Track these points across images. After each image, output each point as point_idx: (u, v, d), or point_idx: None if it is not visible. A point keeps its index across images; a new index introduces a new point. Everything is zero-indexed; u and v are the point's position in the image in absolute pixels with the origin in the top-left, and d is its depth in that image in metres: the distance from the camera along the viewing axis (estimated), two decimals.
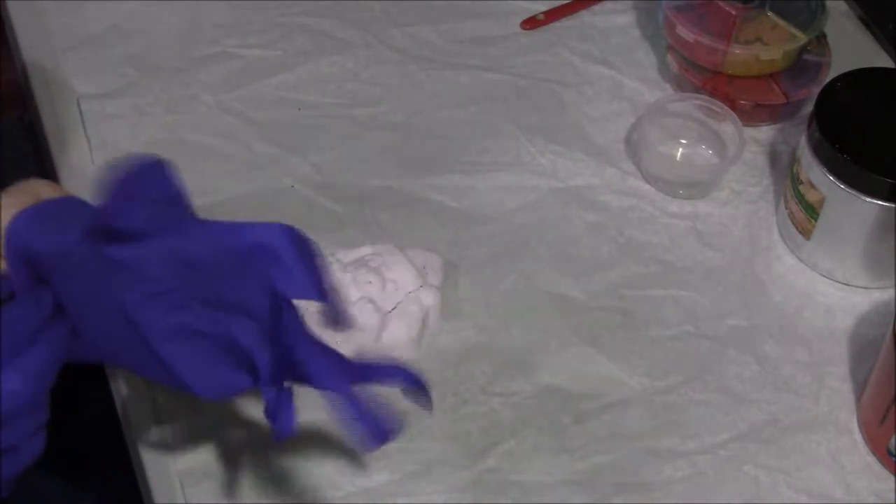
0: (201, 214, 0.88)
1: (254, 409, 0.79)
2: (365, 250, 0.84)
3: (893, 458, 0.79)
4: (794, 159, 0.89)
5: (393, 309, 0.82)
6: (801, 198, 0.87)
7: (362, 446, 0.66)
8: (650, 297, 0.87)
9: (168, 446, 0.77)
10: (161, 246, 0.64)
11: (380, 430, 0.66)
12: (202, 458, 0.77)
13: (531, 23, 1.04)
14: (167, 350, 0.63)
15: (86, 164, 0.92)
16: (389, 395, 0.67)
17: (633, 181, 0.94)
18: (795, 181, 0.88)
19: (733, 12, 0.95)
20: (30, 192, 0.65)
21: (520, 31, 1.04)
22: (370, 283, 0.82)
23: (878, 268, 0.87)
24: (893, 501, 0.78)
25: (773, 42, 0.95)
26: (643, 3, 1.06)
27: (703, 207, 0.93)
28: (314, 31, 1.02)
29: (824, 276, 0.89)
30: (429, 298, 0.83)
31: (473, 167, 0.94)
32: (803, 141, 0.86)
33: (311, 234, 0.87)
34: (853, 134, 0.84)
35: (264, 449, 0.78)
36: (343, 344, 0.79)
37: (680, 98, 0.97)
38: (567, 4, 1.05)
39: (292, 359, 0.66)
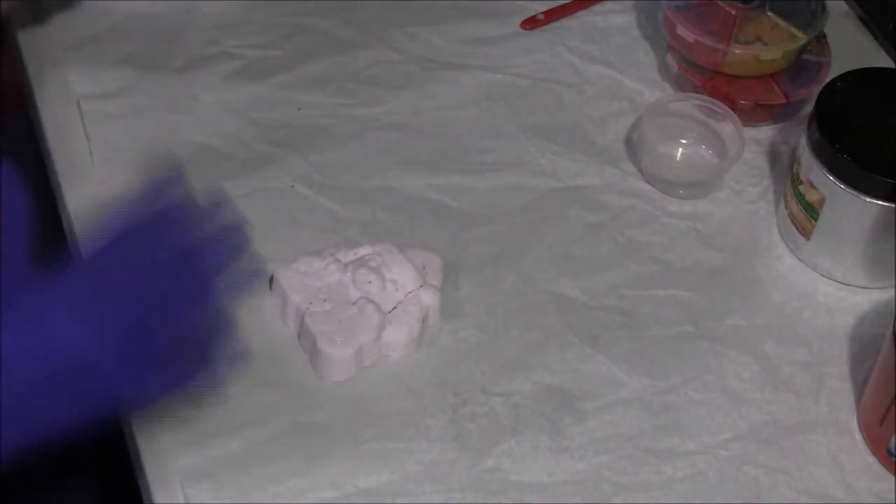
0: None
1: (253, 409, 0.79)
2: (365, 250, 0.84)
3: (893, 458, 0.79)
4: (794, 159, 0.89)
5: (393, 309, 0.82)
6: (801, 198, 0.87)
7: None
8: (650, 297, 0.87)
9: (168, 446, 0.77)
10: None
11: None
12: (202, 458, 0.77)
13: (531, 23, 1.04)
14: None
15: (86, 164, 0.91)
16: None
17: (633, 181, 0.94)
18: (795, 181, 0.88)
19: (733, 12, 0.95)
20: None
21: (520, 31, 1.04)
22: (370, 283, 0.82)
23: (878, 268, 0.87)
24: (893, 501, 0.78)
25: (773, 42, 0.95)
26: (643, 3, 1.06)
27: (703, 207, 0.93)
28: (314, 31, 1.02)
29: (824, 276, 0.89)
30: (429, 298, 0.83)
31: (473, 167, 0.94)
32: (803, 141, 0.86)
33: (311, 234, 0.88)
34: (853, 134, 0.84)
35: (264, 449, 0.78)
36: (345, 345, 0.79)
37: (680, 98, 0.97)
38: (567, 4, 1.05)
39: None
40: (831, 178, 0.84)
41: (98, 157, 0.92)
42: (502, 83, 1.00)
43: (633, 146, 0.96)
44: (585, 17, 1.05)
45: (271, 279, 0.84)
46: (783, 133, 0.98)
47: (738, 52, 0.94)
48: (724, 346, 0.85)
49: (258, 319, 0.83)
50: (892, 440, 0.78)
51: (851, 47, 1.03)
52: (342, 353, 0.79)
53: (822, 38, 0.98)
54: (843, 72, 0.89)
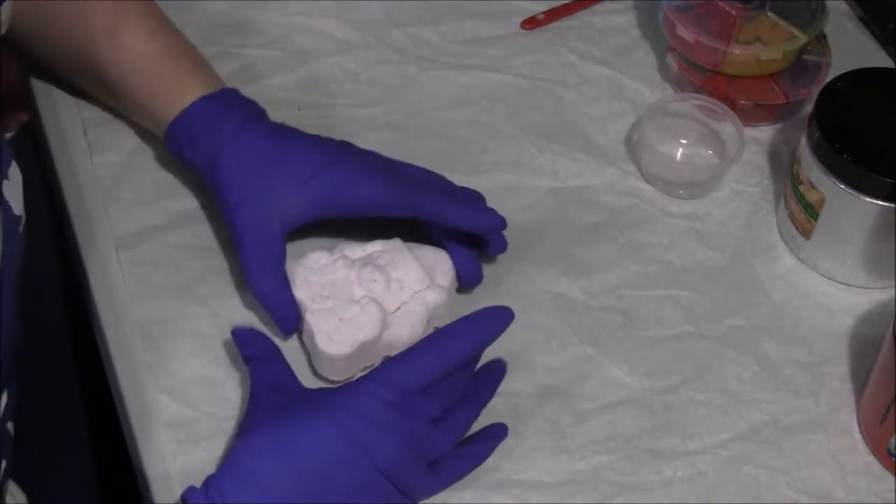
0: (201, 214, 0.89)
1: None
2: (375, 247, 0.83)
3: (893, 458, 0.79)
4: (794, 159, 0.89)
5: (397, 309, 0.81)
6: (801, 198, 0.87)
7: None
8: (650, 297, 0.87)
9: (168, 446, 0.77)
10: None
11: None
12: (202, 458, 0.77)
13: (531, 23, 1.04)
14: None
15: (86, 164, 0.91)
16: None
17: (633, 181, 0.94)
18: (795, 181, 0.88)
19: (733, 12, 0.95)
20: None
21: (520, 31, 1.04)
22: (375, 281, 0.81)
23: (878, 268, 0.87)
24: (893, 501, 0.78)
25: (773, 42, 0.95)
26: (643, 3, 1.06)
27: (703, 207, 0.93)
28: (314, 31, 1.02)
29: (824, 276, 0.89)
30: (435, 299, 0.82)
31: (473, 167, 0.94)
32: (803, 141, 0.86)
33: (313, 233, 0.88)
34: (853, 134, 0.84)
35: None
36: (343, 344, 0.79)
37: (680, 98, 0.97)
38: (567, 4, 1.05)
39: None
40: (831, 178, 0.84)
41: (98, 157, 0.92)
42: (502, 83, 1.00)
43: (633, 146, 0.96)
44: (585, 17, 1.05)
45: None
46: (783, 133, 0.98)
47: (738, 52, 0.94)
48: (724, 346, 0.85)
49: (258, 318, 0.83)
50: (892, 440, 0.78)
51: (851, 47, 1.03)
52: (339, 351, 0.79)
53: (822, 38, 0.98)
54: (843, 72, 0.89)
